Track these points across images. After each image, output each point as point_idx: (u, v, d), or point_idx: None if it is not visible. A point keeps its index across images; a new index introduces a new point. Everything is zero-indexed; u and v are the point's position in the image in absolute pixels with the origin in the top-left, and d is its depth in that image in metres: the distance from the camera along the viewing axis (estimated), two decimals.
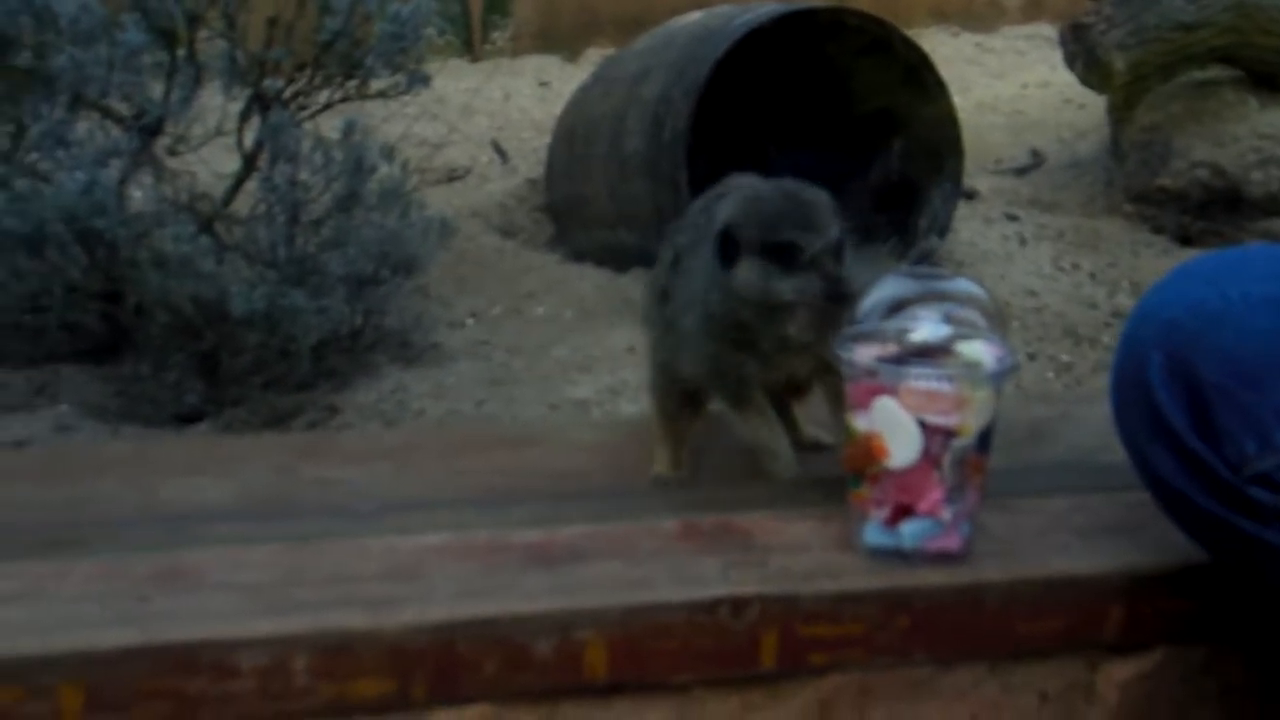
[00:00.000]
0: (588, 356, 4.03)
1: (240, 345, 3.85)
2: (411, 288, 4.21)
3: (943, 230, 4.48)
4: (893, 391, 1.63)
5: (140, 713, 1.56)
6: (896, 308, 1.69)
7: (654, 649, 1.64)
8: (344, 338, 4.00)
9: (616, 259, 4.50)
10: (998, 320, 1.68)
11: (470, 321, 4.36)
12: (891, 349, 1.67)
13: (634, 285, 4.42)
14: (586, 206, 4.66)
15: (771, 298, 1.82)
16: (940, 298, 1.68)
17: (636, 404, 3.73)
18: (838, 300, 1.79)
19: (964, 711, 1.75)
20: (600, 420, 3.34)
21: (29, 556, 1.71)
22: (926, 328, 1.66)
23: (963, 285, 1.70)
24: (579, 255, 4.69)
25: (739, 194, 1.93)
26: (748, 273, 1.83)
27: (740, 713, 1.70)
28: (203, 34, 4.04)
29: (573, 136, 4.74)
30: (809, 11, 4.28)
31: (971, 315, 1.67)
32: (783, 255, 1.80)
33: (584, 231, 4.72)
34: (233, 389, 3.87)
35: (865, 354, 1.66)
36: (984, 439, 1.66)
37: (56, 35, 3.77)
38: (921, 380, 1.61)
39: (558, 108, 5.45)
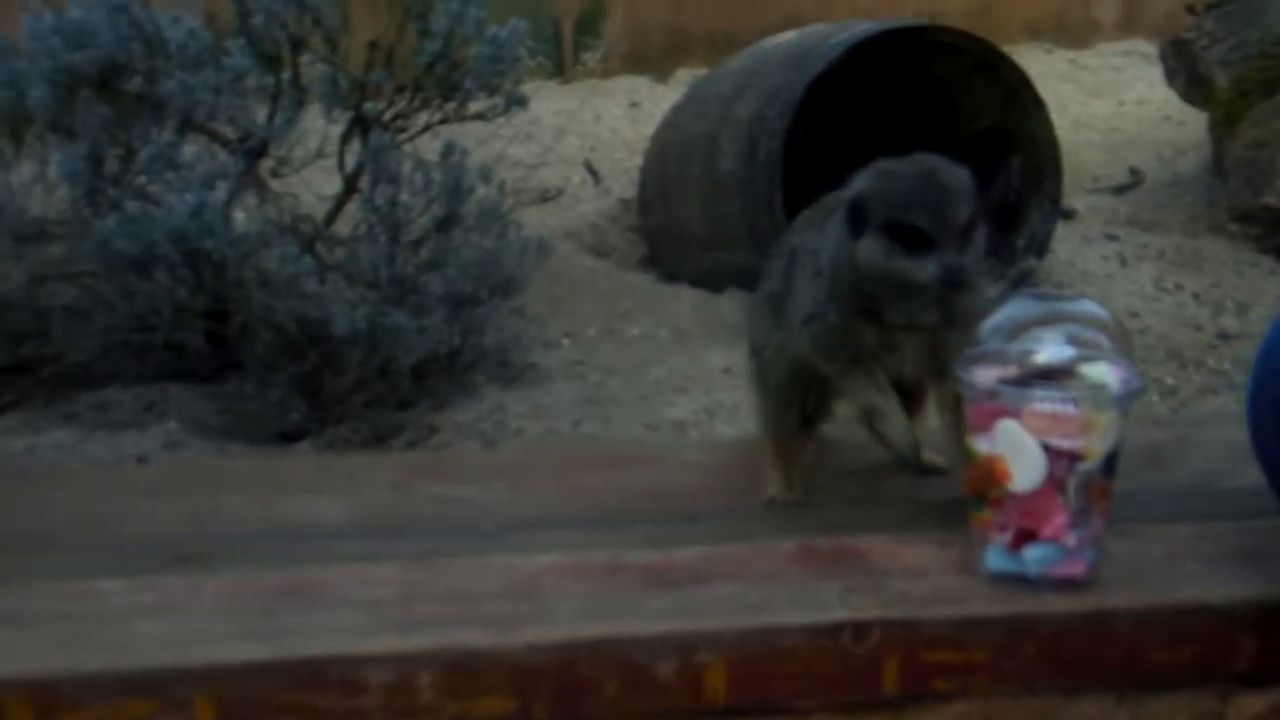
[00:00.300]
0: (684, 377, 4.03)
1: (342, 364, 3.90)
2: (509, 308, 4.24)
3: (1041, 250, 4.44)
4: (1016, 414, 1.61)
5: None
6: (1019, 329, 1.67)
7: (774, 673, 1.63)
8: (443, 357, 4.03)
9: (711, 279, 4.49)
10: (1122, 342, 1.66)
11: (566, 342, 4.38)
12: (1013, 371, 1.65)
13: (730, 306, 4.42)
14: (681, 227, 4.66)
15: (891, 275, 1.81)
16: (1064, 319, 1.66)
17: (733, 425, 3.72)
18: (953, 287, 1.76)
19: None
20: (707, 441, 3.33)
21: (160, 571, 1.74)
22: (1050, 349, 1.64)
23: (1086, 306, 1.68)
24: (673, 276, 4.69)
25: (877, 166, 1.91)
26: (870, 248, 1.81)
27: None
28: (305, 58, 4.10)
29: (666, 157, 4.74)
30: (907, 30, 4.27)
31: (1096, 337, 1.65)
32: (905, 236, 1.78)
33: (678, 252, 4.72)
34: (335, 408, 3.91)
35: (986, 376, 1.64)
36: (1109, 463, 1.64)
37: (166, 61, 3.85)
38: (1046, 403, 1.59)
39: (648, 128, 5.46)
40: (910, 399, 2.05)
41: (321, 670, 1.58)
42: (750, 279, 4.43)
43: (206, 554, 1.80)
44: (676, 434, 3.61)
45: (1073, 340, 1.65)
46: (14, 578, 1.72)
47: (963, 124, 4.44)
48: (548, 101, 5.96)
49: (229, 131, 4.09)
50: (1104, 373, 1.62)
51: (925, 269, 1.77)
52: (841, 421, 2.13)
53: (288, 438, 3.84)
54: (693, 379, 4.02)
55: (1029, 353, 1.65)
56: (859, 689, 1.65)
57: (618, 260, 4.98)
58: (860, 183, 1.86)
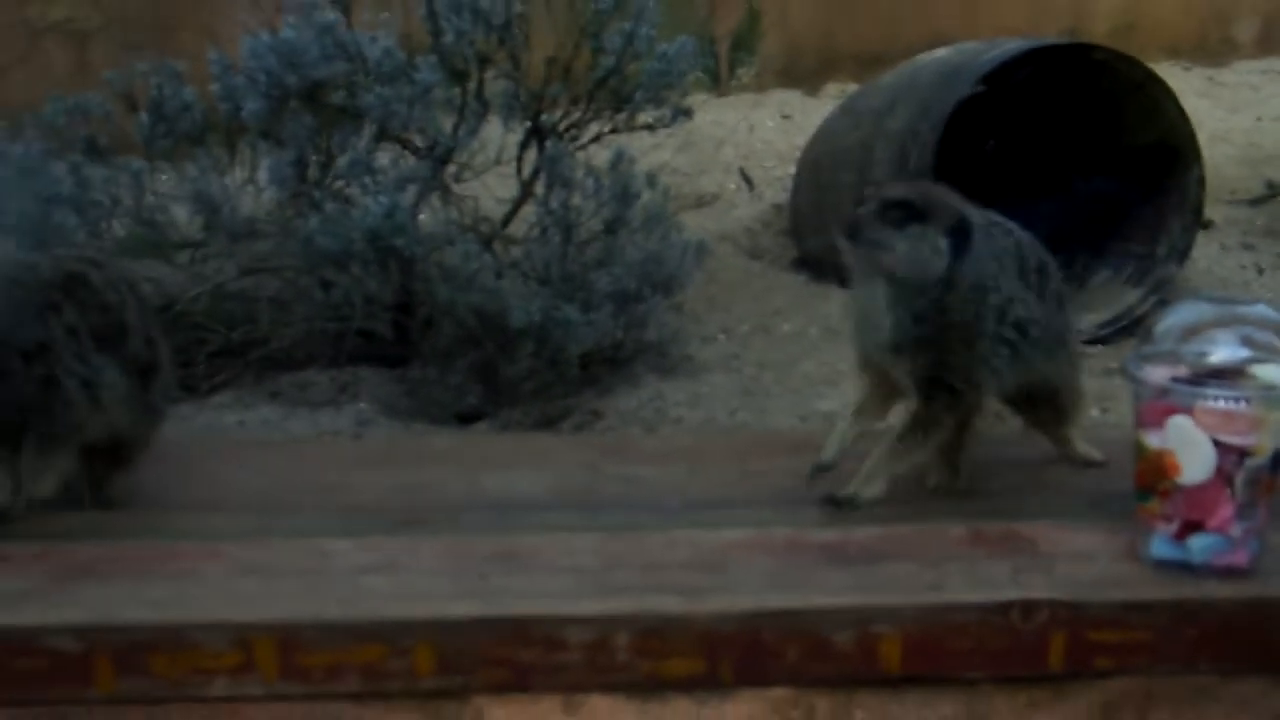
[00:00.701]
0: (833, 371, 4.01)
1: (516, 353, 3.95)
2: (669, 305, 4.25)
3: (1182, 258, 4.32)
4: (1187, 411, 1.59)
5: (482, 676, 1.63)
6: (1192, 331, 1.65)
7: (947, 646, 1.64)
8: (607, 349, 4.06)
9: None
10: None
11: (721, 337, 4.38)
12: (1183, 370, 1.63)
13: None
14: (831, 230, 4.64)
15: None
16: (1238, 321, 1.64)
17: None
18: None
19: (1248, 718, 1.69)
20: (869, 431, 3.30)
21: (383, 534, 1.80)
22: (1224, 350, 1.62)
23: (1260, 310, 1.66)
24: (822, 277, 4.66)
25: None
26: None
27: (1026, 710, 1.68)
28: (489, 73, 4.16)
29: (819, 165, 4.72)
30: (1058, 48, 4.20)
31: (1269, 339, 1.62)
32: None
33: (828, 255, 4.69)
34: (508, 393, 3.97)
35: (1158, 374, 1.63)
36: (1276, 459, 1.61)
37: (365, 76, 3.93)
38: (1218, 400, 1.57)
39: (799, 139, 5.44)
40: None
41: (529, 628, 1.62)
42: None
43: (421, 520, 1.86)
44: (828, 425, 3.59)
45: (1246, 342, 1.62)
46: (259, 535, 1.80)
47: (1126, 136, 4.32)
48: (706, 114, 5.95)
49: (418, 140, 4.16)
50: (1275, 374, 1.59)
51: None
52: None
53: (464, 419, 3.91)
54: (841, 374, 3.99)
55: (1203, 353, 1.62)
56: (1025, 664, 1.65)
57: (770, 262, 4.96)
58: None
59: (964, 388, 1.92)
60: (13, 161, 4.12)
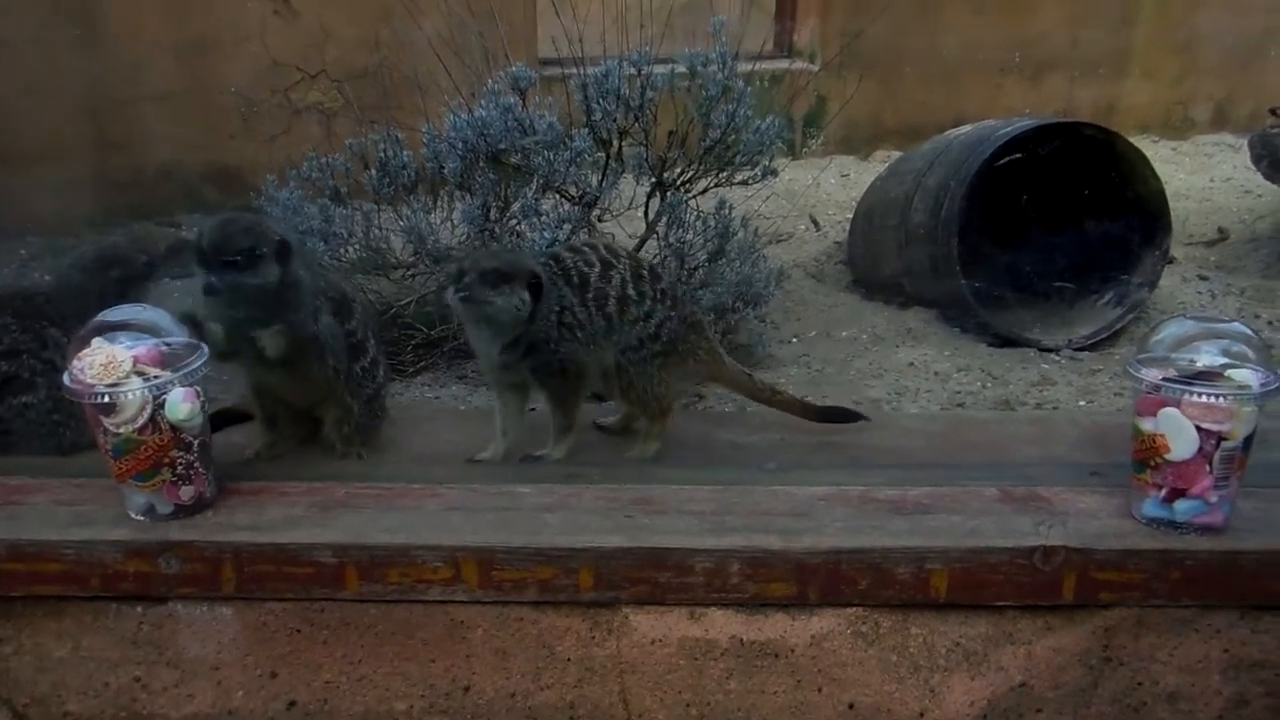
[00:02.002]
0: (880, 368, 3.94)
1: None
2: (756, 315, 4.20)
3: (1152, 286, 4.17)
4: (1176, 403, 1.53)
5: (628, 592, 1.63)
6: (1181, 342, 1.58)
7: (983, 579, 1.60)
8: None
9: (900, 300, 4.39)
10: (1263, 353, 1.55)
11: (795, 340, 4.32)
12: (1173, 372, 1.57)
13: (913, 319, 4.32)
14: (879, 262, 4.56)
15: None
16: (1218, 335, 1.57)
17: (916, 404, 3.64)
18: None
19: (1218, 645, 1.62)
20: (922, 414, 3.22)
21: (555, 482, 1.80)
22: (1206, 357, 1.55)
23: (1236, 327, 1.58)
24: (871, 296, 4.59)
25: None
26: None
27: (1043, 631, 1.64)
28: (626, 142, 4.15)
29: (871, 213, 4.64)
30: (1057, 125, 4.07)
31: (1242, 349, 1.55)
32: None
33: (876, 280, 4.62)
34: None
35: (1153, 374, 1.56)
36: (1247, 442, 1.55)
37: (535, 144, 3.95)
38: (1201, 396, 1.51)
39: (855, 192, 5.35)
40: None
41: (663, 557, 1.62)
42: (928, 303, 4.31)
43: (583, 475, 1.85)
44: (875, 409, 3.53)
45: (1224, 351, 1.55)
46: (461, 480, 1.81)
47: (1130, 190, 4.16)
48: (785, 173, 5.87)
49: (572, 190, 4.17)
50: (1247, 376, 1.53)
51: None
52: None
53: (599, 397, 3.91)
54: (886, 369, 3.92)
55: (1189, 359, 1.56)
56: (1044, 595, 1.61)
57: (831, 284, 4.89)
58: None
59: (558, 370, 2.06)
60: (280, 203, 4.23)
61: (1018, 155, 3.96)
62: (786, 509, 1.70)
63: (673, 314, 2.09)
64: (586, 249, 2.12)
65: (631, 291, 2.08)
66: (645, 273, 2.11)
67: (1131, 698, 1.65)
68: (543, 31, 5.52)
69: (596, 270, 2.08)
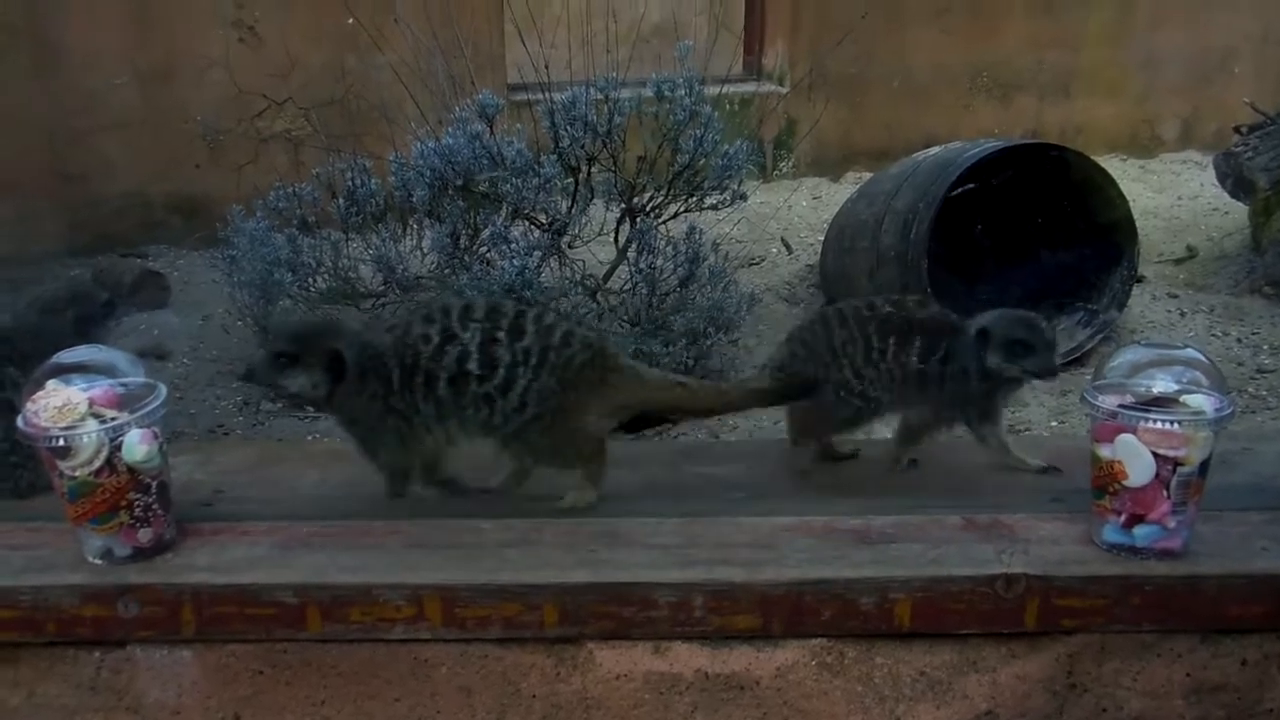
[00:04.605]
0: None
1: None
2: (728, 340, 4.25)
3: (1121, 306, 4.24)
4: (1133, 430, 1.55)
5: (592, 627, 1.63)
6: (1136, 369, 1.61)
7: (946, 608, 1.61)
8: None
9: None
10: (1216, 379, 1.58)
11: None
12: (1129, 398, 1.60)
13: None
14: (851, 284, 4.61)
15: None
16: (1172, 362, 1.60)
17: (890, 428, 3.65)
18: None
19: (1180, 669, 1.64)
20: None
21: (518, 515, 1.80)
22: (1161, 383, 1.58)
23: (1189, 353, 1.61)
24: None
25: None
26: None
27: (1007, 658, 1.65)
28: (594, 168, 4.19)
29: (842, 235, 4.70)
30: (1025, 146, 4.14)
31: (1197, 375, 1.58)
32: None
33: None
34: None
35: (1109, 401, 1.59)
36: (1203, 467, 1.57)
37: (503, 171, 3.98)
38: (1157, 422, 1.54)
39: (826, 214, 5.42)
40: None
41: (627, 591, 1.62)
42: None
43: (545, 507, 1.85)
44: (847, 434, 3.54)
45: (1179, 378, 1.58)
46: (420, 516, 1.80)
47: (1096, 216, 4.20)
48: (756, 197, 5.96)
49: (541, 217, 4.21)
50: (1202, 401, 1.55)
51: None
52: None
53: None
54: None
55: (1145, 386, 1.59)
56: (1007, 623, 1.62)
57: (804, 307, 4.94)
58: None
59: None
60: (247, 234, 4.23)
61: (971, 186, 4.02)
62: (749, 540, 1.71)
63: (539, 373, 1.75)
64: (440, 314, 1.78)
65: (473, 367, 1.74)
66: (502, 335, 1.74)
67: None
68: (510, 58, 5.56)
69: (433, 345, 1.75)
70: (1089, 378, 1.69)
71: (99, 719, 1.67)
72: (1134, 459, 1.56)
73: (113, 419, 1.60)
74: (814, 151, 6.59)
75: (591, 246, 4.34)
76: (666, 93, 4.11)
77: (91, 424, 1.59)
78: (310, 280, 4.21)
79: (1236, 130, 5.23)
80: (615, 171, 4.14)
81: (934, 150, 4.50)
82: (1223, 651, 1.64)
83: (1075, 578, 1.60)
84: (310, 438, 3.74)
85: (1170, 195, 6.31)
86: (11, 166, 5.39)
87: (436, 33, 4.71)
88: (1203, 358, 1.59)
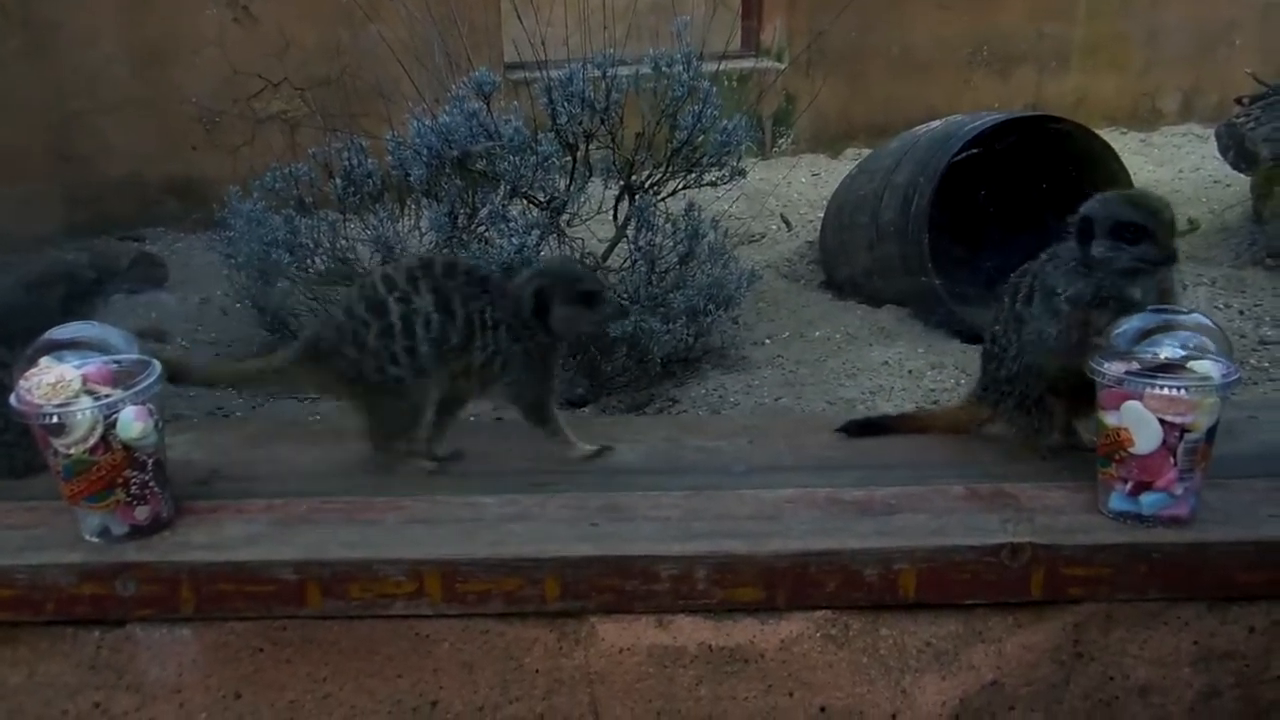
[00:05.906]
0: (854, 367, 3.95)
1: (613, 355, 3.94)
2: (728, 317, 4.22)
3: None
4: (1139, 397, 1.54)
5: (595, 601, 1.62)
6: (1142, 335, 1.59)
7: (951, 579, 1.60)
8: (681, 351, 4.04)
9: (873, 299, 4.41)
10: (1223, 345, 1.56)
11: (768, 341, 4.34)
12: (1135, 365, 1.58)
13: (886, 317, 4.33)
14: (852, 260, 4.58)
15: None
16: (1178, 328, 1.58)
17: (890, 402, 3.65)
18: None
19: (1188, 637, 1.63)
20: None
21: (519, 491, 1.79)
22: (1167, 350, 1.56)
23: (1196, 318, 1.59)
24: (844, 295, 4.61)
25: None
26: None
27: (1013, 628, 1.64)
28: (593, 145, 4.15)
29: (841, 210, 4.67)
30: (1025, 118, 4.10)
31: (1204, 341, 1.56)
32: None
33: (849, 279, 4.64)
34: (606, 385, 3.97)
35: (1116, 368, 1.57)
36: (1210, 434, 1.55)
37: (500, 149, 3.94)
38: (1164, 389, 1.52)
39: (826, 190, 5.38)
40: None
41: (630, 564, 1.61)
42: (901, 300, 4.31)
43: (548, 482, 1.84)
44: (849, 409, 3.53)
45: (1185, 343, 1.56)
46: (425, 491, 1.79)
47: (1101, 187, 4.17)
48: (755, 173, 5.93)
49: (540, 196, 4.17)
50: (1209, 367, 1.54)
51: None
52: None
53: (575, 404, 3.90)
54: (860, 369, 3.94)
55: (1151, 352, 1.57)
56: (1013, 592, 1.61)
57: (804, 284, 4.91)
58: None
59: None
60: (244, 215, 4.20)
61: (975, 151, 3.98)
62: (753, 513, 1.70)
63: None
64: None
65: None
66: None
67: (1103, 692, 1.65)
68: (507, 35, 5.52)
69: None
70: None
71: (100, 697, 1.66)
72: (1140, 426, 1.54)
73: (107, 395, 1.58)
74: (813, 127, 6.55)
75: (590, 224, 4.30)
76: (664, 69, 4.06)
77: (85, 401, 1.57)
78: (308, 261, 4.18)
79: (1238, 101, 5.18)
80: (614, 149, 4.10)
81: (934, 124, 4.46)
82: (1230, 619, 1.62)
83: (1081, 546, 1.59)
84: (312, 418, 3.72)
85: (1171, 168, 6.27)
86: (7, 149, 5.36)
87: (432, 10, 4.65)
88: (1209, 323, 1.57)
